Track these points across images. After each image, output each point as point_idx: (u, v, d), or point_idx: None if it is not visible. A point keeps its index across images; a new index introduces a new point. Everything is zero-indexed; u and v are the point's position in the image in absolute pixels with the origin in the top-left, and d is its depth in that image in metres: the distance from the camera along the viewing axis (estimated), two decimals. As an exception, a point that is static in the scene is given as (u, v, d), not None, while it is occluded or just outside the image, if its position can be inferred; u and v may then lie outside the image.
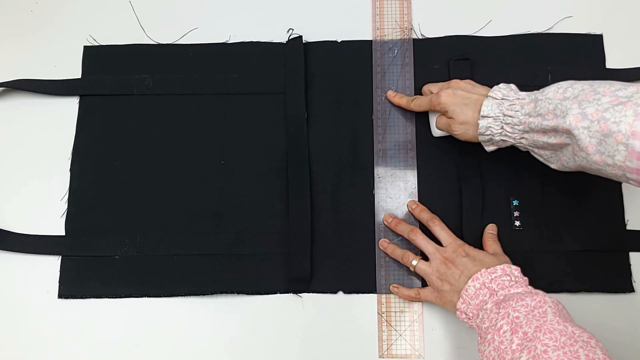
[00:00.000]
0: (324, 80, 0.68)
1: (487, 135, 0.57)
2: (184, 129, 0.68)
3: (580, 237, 0.63)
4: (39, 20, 0.73)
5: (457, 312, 0.55)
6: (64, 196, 0.66)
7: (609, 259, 0.62)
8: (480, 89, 0.60)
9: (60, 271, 0.64)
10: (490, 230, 0.62)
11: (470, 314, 0.54)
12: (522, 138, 0.55)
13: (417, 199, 0.65)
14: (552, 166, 0.55)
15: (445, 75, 0.67)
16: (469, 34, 0.69)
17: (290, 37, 0.69)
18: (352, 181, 0.65)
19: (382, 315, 0.62)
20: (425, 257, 0.60)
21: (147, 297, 0.63)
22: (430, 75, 0.68)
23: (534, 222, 0.63)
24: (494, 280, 0.53)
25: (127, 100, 0.69)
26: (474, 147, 0.65)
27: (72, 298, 0.63)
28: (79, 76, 0.70)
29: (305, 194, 0.64)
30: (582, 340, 0.45)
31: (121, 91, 0.69)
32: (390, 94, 0.67)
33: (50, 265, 0.64)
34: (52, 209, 0.66)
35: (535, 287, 0.54)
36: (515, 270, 0.54)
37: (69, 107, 0.69)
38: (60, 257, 0.65)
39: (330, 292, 0.63)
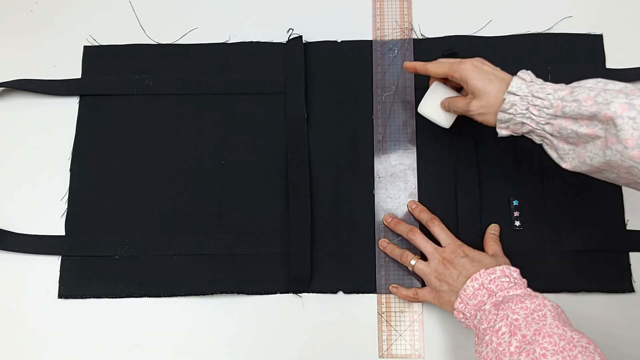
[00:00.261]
0: (324, 80, 0.68)
1: (510, 114, 0.53)
2: (184, 129, 0.68)
3: (580, 237, 0.62)
4: (39, 20, 0.73)
5: (455, 312, 0.55)
6: (64, 196, 0.66)
7: (609, 259, 0.62)
8: (504, 72, 0.57)
9: (60, 271, 0.64)
10: (492, 230, 0.62)
11: (468, 314, 0.54)
12: (548, 124, 0.52)
13: (417, 199, 0.65)
14: (565, 165, 0.53)
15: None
16: (469, 34, 0.69)
17: (290, 37, 0.69)
18: (352, 181, 0.65)
19: (382, 315, 0.62)
20: (424, 257, 0.60)
21: (147, 297, 0.63)
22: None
23: (534, 222, 0.63)
24: (492, 281, 0.53)
25: (127, 100, 0.69)
26: (475, 147, 0.65)
27: (72, 298, 0.63)
28: (79, 76, 0.70)
29: (305, 194, 0.64)
30: (581, 345, 0.45)
31: (121, 91, 0.69)
32: (407, 64, 0.62)
33: (50, 265, 0.64)
34: (52, 209, 0.66)
35: (535, 287, 0.54)
36: (515, 272, 0.54)
37: (69, 107, 0.69)
38: (60, 257, 0.65)
39: (330, 292, 0.63)
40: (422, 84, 0.67)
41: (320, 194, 0.65)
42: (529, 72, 0.55)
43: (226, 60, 0.70)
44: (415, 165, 0.66)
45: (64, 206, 0.66)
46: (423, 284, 0.62)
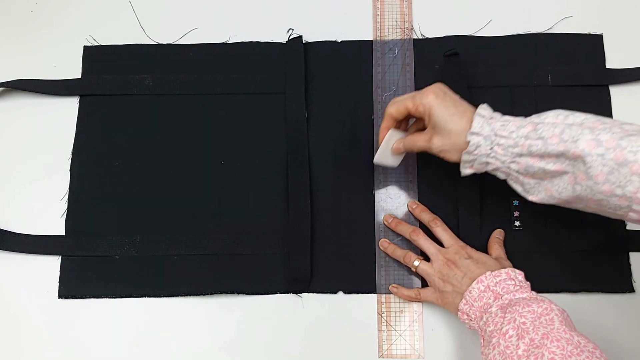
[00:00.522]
0: (324, 80, 0.68)
1: (474, 155, 0.53)
2: (184, 129, 0.68)
3: (580, 237, 0.62)
4: (39, 20, 0.73)
5: (459, 313, 0.55)
6: (64, 196, 0.66)
7: (609, 259, 0.62)
8: (464, 101, 0.55)
9: (60, 271, 0.64)
10: (497, 235, 0.62)
11: (473, 316, 0.54)
12: (513, 162, 0.51)
13: (417, 199, 0.64)
14: (531, 198, 0.52)
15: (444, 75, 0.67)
16: (469, 34, 0.69)
17: (290, 37, 0.69)
18: (352, 181, 0.65)
19: (382, 315, 0.62)
20: (425, 258, 0.60)
21: (147, 297, 0.63)
22: (431, 75, 0.68)
23: (534, 222, 0.63)
24: (498, 284, 0.53)
25: (127, 100, 0.69)
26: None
27: (72, 298, 0.63)
28: (79, 76, 0.70)
29: (305, 194, 0.64)
30: (588, 351, 0.45)
31: (121, 91, 0.69)
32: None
33: (50, 265, 0.64)
34: (52, 209, 0.66)
35: (535, 287, 0.54)
36: (519, 275, 0.54)
37: (69, 107, 0.69)
38: (60, 257, 0.65)
39: (330, 292, 0.63)
40: (422, 84, 0.67)
41: (320, 194, 0.65)
42: (487, 106, 0.54)
43: (226, 60, 0.70)
44: (416, 165, 0.65)
45: (64, 206, 0.66)
46: (423, 284, 0.62)
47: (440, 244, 0.60)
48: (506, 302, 0.51)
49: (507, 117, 0.53)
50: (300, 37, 0.69)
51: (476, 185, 0.63)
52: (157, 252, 0.64)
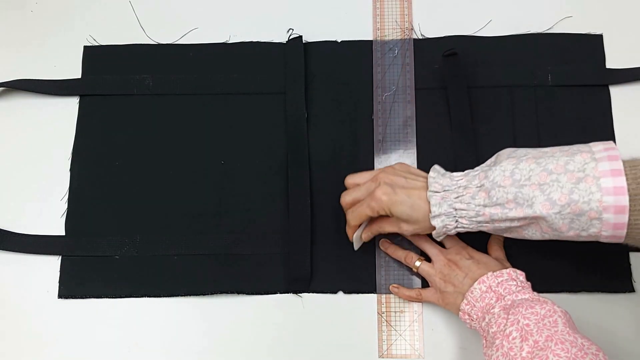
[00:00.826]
0: (324, 80, 0.68)
1: (444, 230, 0.53)
2: (183, 129, 0.68)
3: (580, 237, 0.63)
4: (39, 20, 0.73)
5: (460, 313, 0.55)
6: (64, 196, 0.66)
7: (609, 259, 0.62)
8: (412, 176, 0.56)
9: (60, 271, 0.64)
10: (498, 236, 0.62)
11: (474, 316, 0.54)
12: (481, 226, 0.53)
13: (417, 199, 0.64)
14: (507, 234, 0.54)
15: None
16: (469, 34, 0.69)
17: (290, 37, 0.69)
18: (352, 181, 0.65)
19: (382, 315, 0.62)
20: (427, 258, 0.60)
21: (147, 297, 0.63)
22: (431, 75, 0.68)
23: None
24: (500, 284, 0.53)
25: (127, 100, 0.69)
26: (475, 147, 0.65)
27: (72, 298, 0.63)
28: (79, 76, 0.70)
29: (305, 194, 0.64)
30: (592, 353, 0.45)
31: (121, 91, 0.69)
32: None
33: (50, 265, 0.64)
34: (52, 209, 0.66)
35: (535, 287, 0.54)
36: (521, 275, 0.54)
37: (69, 107, 0.69)
38: (60, 257, 0.65)
39: (330, 292, 0.63)
40: (422, 84, 0.68)
41: (320, 194, 0.65)
42: (432, 175, 0.54)
43: (226, 60, 0.70)
44: (415, 165, 0.65)
45: (64, 206, 0.66)
46: (423, 284, 0.62)
47: (442, 244, 0.60)
48: (508, 303, 0.51)
49: (459, 182, 0.53)
50: (300, 37, 0.69)
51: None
52: (157, 252, 0.64)
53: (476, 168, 0.54)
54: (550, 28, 0.69)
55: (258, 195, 0.65)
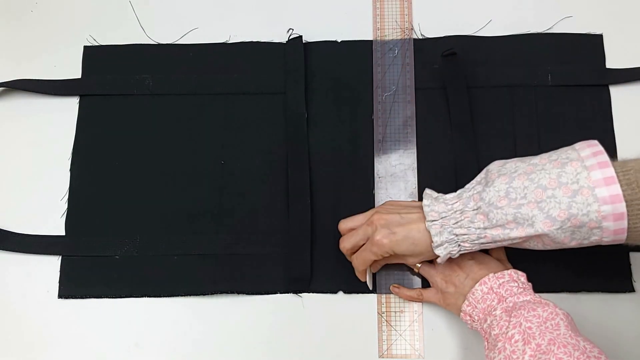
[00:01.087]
0: (324, 80, 0.68)
1: (448, 255, 0.53)
2: (183, 129, 0.68)
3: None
4: (39, 20, 0.73)
5: (461, 314, 0.55)
6: (64, 196, 0.66)
7: (609, 259, 0.62)
8: (405, 209, 0.55)
9: (60, 271, 0.64)
10: None
11: (476, 317, 0.54)
12: (483, 246, 0.53)
13: (417, 199, 0.64)
14: (508, 246, 0.54)
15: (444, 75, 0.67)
16: (469, 34, 0.69)
17: (290, 37, 0.69)
18: (352, 181, 0.65)
19: (382, 315, 0.62)
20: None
21: (147, 297, 0.63)
22: (431, 75, 0.68)
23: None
24: (502, 286, 0.53)
25: (127, 100, 0.69)
26: (475, 147, 0.65)
27: (72, 298, 0.63)
28: (79, 76, 0.70)
29: (305, 194, 0.64)
30: (594, 356, 0.45)
31: (121, 91, 0.69)
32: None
33: (50, 265, 0.64)
34: (52, 209, 0.66)
35: (535, 287, 0.54)
36: (522, 277, 0.54)
37: (69, 107, 0.69)
38: (60, 257, 0.65)
39: (330, 292, 0.63)
40: (422, 84, 0.68)
41: (320, 194, 0.65)
42: (427, 202, 0.54)
43: (226, 60, 0.70)
44: (415, 165, 0.66)
45: (64, 206, 0.66)
46: (423, 284, 0.62)
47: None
48: (510, 305, 0.51)
49: (454, 206, 0.52)
50: (300, 37, 0.69)
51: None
52: (157, 252, 0.64)
53: (467, 187, 0.54)
54: (550, 28, 0.69)
55: (258, 195, 0.65)
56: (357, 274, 0.59)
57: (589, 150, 0.49)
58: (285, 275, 0.63)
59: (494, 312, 0.52)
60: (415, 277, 0.62)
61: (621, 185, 0.46)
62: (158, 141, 0.68)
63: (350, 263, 0.62)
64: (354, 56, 0.69)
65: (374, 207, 0.64)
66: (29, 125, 0.69)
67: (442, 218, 0.52)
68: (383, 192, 0.65)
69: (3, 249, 0.65)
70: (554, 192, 0.48)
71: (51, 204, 0.66)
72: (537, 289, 0.54)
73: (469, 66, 0.67)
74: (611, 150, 0.64)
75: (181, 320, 0.63)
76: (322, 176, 0.65)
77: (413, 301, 0.61)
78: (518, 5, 0.70)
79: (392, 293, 0.62)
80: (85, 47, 0.71)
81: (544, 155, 0.52)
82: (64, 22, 0.73)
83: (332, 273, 0.63)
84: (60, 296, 0.63)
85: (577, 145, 0.51)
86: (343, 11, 0.71)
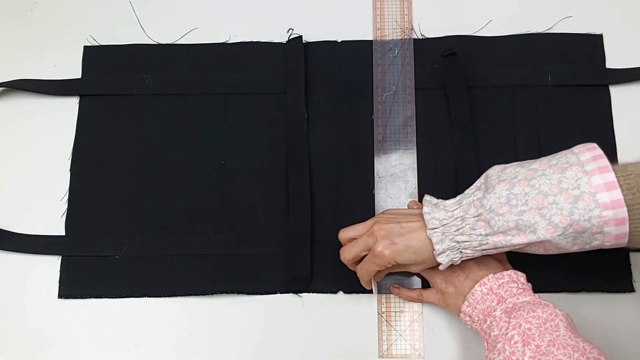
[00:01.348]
0: (324, 80, 0.68)
1: (450, 262, 0.53)
2: (184, 129, 0.68)
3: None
4: (39, 20, 0.73)
5: (461, 315, 0.55)
6: (64, 196, 0.66)
7: (609, 259, 0.62)
8: (405, 218, 0.55)
9: (60, 271, 0.64)
10: None
11: (476, 318, 0.54)
12: (485, 252, 0.53)
13: (417, 199, 0.64)
14: (507, 250, 0.54)
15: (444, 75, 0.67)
16: (469, 34, 0.69)
17: (290, 37, 0.69)
18: (352, 181, 0.65)
19: (382, 315, 0.62)
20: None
21: (147, 297, 0.63)
22: (431, 75, 0.68)
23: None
24: (501, 287, 0.53)
25: (127, 100, 0.69)
26: (475, 147, 0.65)
27: (72, 298, 0.63)
28: (79, 76, 0.70)
29: (305, 194, 0.64)
30: (594, 357, 0.45)
31: (121, 91, 0.69)
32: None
33: (50, 265, 0.64)
34: (52, 209, 0.66)
35: (535, 287, 0.54)
36: (522, 277, 0.54)
37: (69, 107, 0.69)
38: (60, 257, 0.65)
39: (330, 292, 0.63)
40: (422, 84, 0.68)
41: (320, 194, 0.65)
42: (427, 210, 0.53)
43: (226, 60, 0.70)
44: (415, 165, 0.66)
45: (64, 206, 0.66)
46: (423, 284, 0.62)
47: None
48: (510, 305, 0.51)
49: (455, 212, 0.52)
50: (300, 37, 0.69)
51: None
52: (157, 252, 0.64)
53: (467, 192, 0.54)
54: (550, 28, 0.69)
55: (258, 195, 0.65)
56: (362, 283, 0.59)
57: (589, 154, 0.49)
58: (285, 275, 0.63)
59: (493, 313, 0.52)
60: (415, 277, 0.62)
61: (622, 190, 0.46)
62: (158, 141, 0.68)
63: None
64: (354, 56, 0.69)
65: (373, 207, 0.64)
66: (29, 125, 0.69)
67: (443, 225, 0.52)
68: (383, 192, 0.65)
69: (3, 249, 0.65)
70: (555, 198, 0.48)
71: (51, 204, 0.66)
72: (536, 290, 0.54)
73: (469, 66, 0.67)
74: (611, 151, 0.64)
75: (181, 320, 0.63)
76: (322, 176, 0.65)
77: (413, 301, 0.61)
78: (518, 5, 0.70)
79: (392, 293, 0.62)
80: (85, 47, 0.71)
81: (544, 160, 0.51)
82: (64, 22, 0.73)
83: (332, 273, 0.63)
84: (60, 296, 0.63)
85: (576, 148, 0.51)
86: (343, 11, 0.71)
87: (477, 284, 0.54)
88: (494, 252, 0.52)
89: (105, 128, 0.68)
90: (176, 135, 0.68)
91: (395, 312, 0.62)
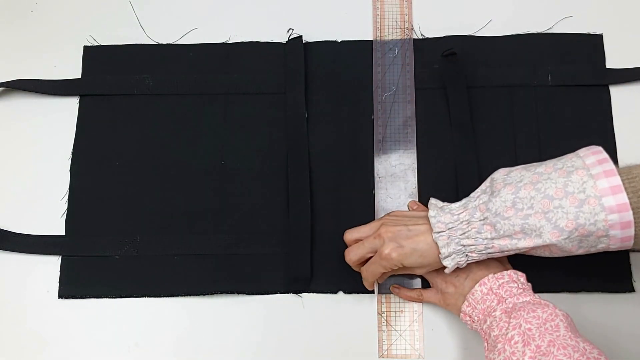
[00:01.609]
0: (324, 80, 0.68)
1: (456, 266, 0.53)
2: (184, 129, 0.68)
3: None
4: (39, 20, 0.73)
5: (461, 315, 0.55)
6: (64, 196, 0.66)
7: (609, 259, 0.62)
8: (412, 220, 0.55)
9: (60, 271, 0.64)
10: None
11: (476, 318, 0.54)
12: (491, 255, 0.53)
13: (417, 199, 0.64)
14: (513, 253, 0.54)
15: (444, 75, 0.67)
16: (469, 34, 0.69)
17: (290, 37, 0.69)
18: (352, 181, 0.65)
19: (382, 315, 0.62)
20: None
21: (147, 297, 0.63)
22: (431, 75, 0.68)
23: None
24: (501, 287, 0.53)
25: (127, 100, 0.69)
26: (475, 147, 0.65)
27: (72, 298, 0.63)
28: (79, 76, 0.70)
29: (305, 194, 0.64)
30: (594, 357, 0.45)
31: (121, 91, 0.69)
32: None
33: (50, 265, 0.64)
34: (52, 209, 0.66)
35: (535, 287, 0.54)
36: (522, 277, 0.54)
37: (69, 107, 0.69)
38: (60, 257, 0.65)
39: (330, 292, 0.63)
40: (422, 84, 0.68)
41: (320, 194, 0.65)
42: (432, 214, 0.53)
43: (226, 60, 0.70)
44: (415, 165, 0.66)
45: (64, 206, 0.66)
46: (423, 284, 0.62)
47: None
48: (510, 306, 0.51)
49: (460, 216, 0.52)
50: (300, 37, 0.69)
51: (477, 186, 0.63)
52: (157, 252, 0.64)
53: (472, 196, 0.54)
54: (550, 28, 0.69)
55: (258, 195, 0.65)
56: (366, 285, 0.59)
57: (594, 157, 0.49)
58: (285, 275, 0.63)
59: (493, 313, 0.52)
60: (415, 277, 0.62)
61: (627, 193, 0.47)
62: (158, 141, 0.68)
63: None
64: (354, 56, 0.69)
65: (373, 207, 0.64)
66: (29, 125, 0.69)
67: (449, 229, 0.52)
68: (383, 192, 0.65)
69: (3, 249, 0.65)
70: (560, 202, 0.48)
71: (51, 204, 0.66)
72: (537, 290, 0.54)
73: (469, 66, 0.67)
74: (611, 151, 0.64)
75: (181, 320, 0.63)
76: (322, 176, 0.65)
77: (413, 301, 0.61)
78: (518, 5, 0.70)
79: (392, 293, 0.62)
80: (85, 47, 0.71)
81: (549, 163, 0.52)
82: (64, 22, 0.73)
83: (332, 273, 0.63)
84: (60, 296, 0.63)
85: (581, 152, 0.51)
86: (343, 11, 0.71)
87: (477, 284, 0.54)
88: (499, 255, 0.53)
89: (105, 128, 0.68)
90: (176, 135, 0.68)
91: (395, 312, 0.62)
